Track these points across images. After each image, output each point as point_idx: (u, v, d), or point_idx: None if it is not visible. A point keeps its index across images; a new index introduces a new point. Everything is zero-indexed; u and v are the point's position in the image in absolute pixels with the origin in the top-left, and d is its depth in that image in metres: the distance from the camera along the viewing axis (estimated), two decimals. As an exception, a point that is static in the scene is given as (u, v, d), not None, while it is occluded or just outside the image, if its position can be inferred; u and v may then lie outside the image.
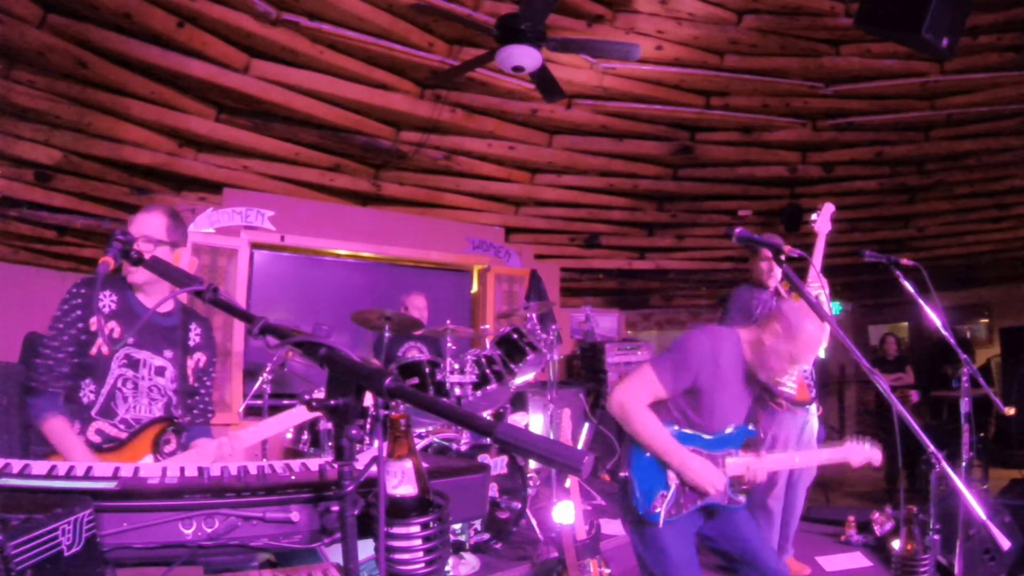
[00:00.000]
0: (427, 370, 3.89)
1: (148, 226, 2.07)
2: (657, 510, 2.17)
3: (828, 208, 3.53)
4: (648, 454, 2.20)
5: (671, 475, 2.20)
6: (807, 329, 2.24)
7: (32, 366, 1.99)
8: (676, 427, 2.25)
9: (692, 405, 2.25)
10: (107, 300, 2.05)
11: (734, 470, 2.27)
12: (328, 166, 5.59)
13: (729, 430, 2.30)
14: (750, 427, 2.37)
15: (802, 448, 3.59)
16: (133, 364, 2.04)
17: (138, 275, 2.04)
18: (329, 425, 2.75)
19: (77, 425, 1.96)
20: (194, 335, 2.22)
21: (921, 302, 2.49)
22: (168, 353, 2.11)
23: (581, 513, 2.99)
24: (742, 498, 2.31)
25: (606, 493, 4.96)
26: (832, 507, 5.16)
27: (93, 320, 1.99)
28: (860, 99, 5.37)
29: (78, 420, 1.97)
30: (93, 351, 1.98)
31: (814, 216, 3.48)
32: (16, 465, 1.24)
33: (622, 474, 2.25)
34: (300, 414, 2.05)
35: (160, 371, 2.09)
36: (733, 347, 2.30)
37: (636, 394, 2.20)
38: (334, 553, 1.26)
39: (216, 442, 1.98)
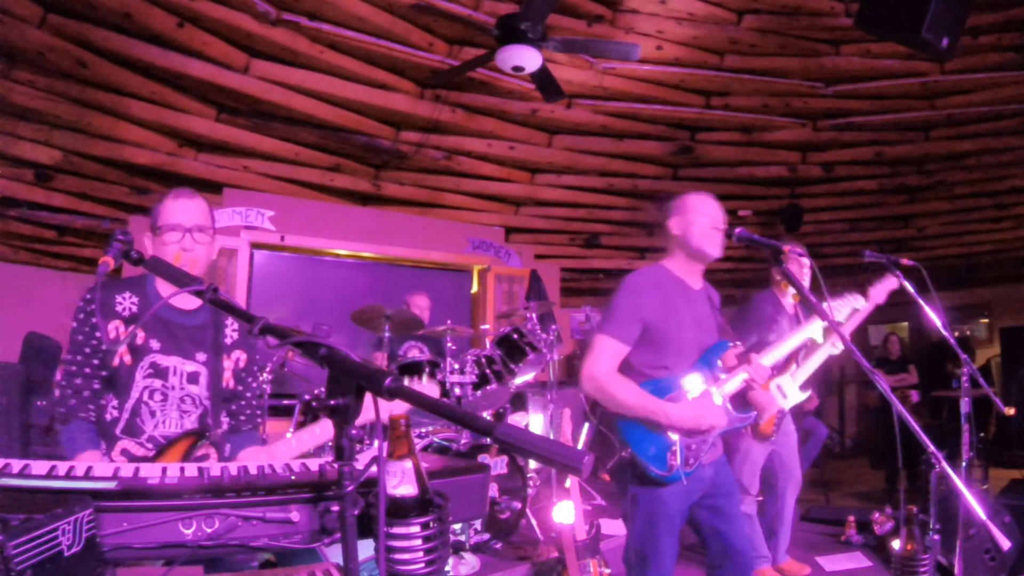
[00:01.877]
0: (427, 370, 3.89)
1: (201, 213, 1.85)
2: (675, 467, 2.10)
3: (890, 283, 3.10)
4: (641, 423, 2.11)
5: (670, 431, 2.12)
6: (687, 195, 2.30)
7: (57, 389, 1.78)
8: (650, 379, 2.17)
9: (655, 348, 2.17)
10: (126, 303, 1.79)
11: (731, 388, 2.20)
12: (328, 166, 5.60)
13: (703, 354, 2.22)
14: (723, 341, 2.28)
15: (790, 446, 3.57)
16: (160, 373, 1.78)
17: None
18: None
19: (103, 445, 1.75)
20: (230, 331, 1.92)
21: (921, 302, 2.50)
22: (201, 356, 1.84)
23: (581, 513, 2.98)
24: (752, 413, 2.26)
25: (606, 493, 4.96)
26: (832, 507, 5.16)
27: (112, 327, 1.75)
28: (860, 99, 5.37)
29: (103, 440, 1.76)
30: (115, 361, 1.75)
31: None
32: (16, 465, 1.24)
33: (623, 453, 2.18)
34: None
35: (193, 378, 1.82)
36: (660, 272, 2.29)
37: (601, 364, 2.13)
38: (334, 553, 1.26)
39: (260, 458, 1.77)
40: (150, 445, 1.76)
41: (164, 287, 1.85)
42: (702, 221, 2.22)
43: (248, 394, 1.97)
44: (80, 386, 1.76)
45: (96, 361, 1.77)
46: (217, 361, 1.87)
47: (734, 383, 2.22)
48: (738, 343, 2.36)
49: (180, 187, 1.89)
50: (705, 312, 2.30)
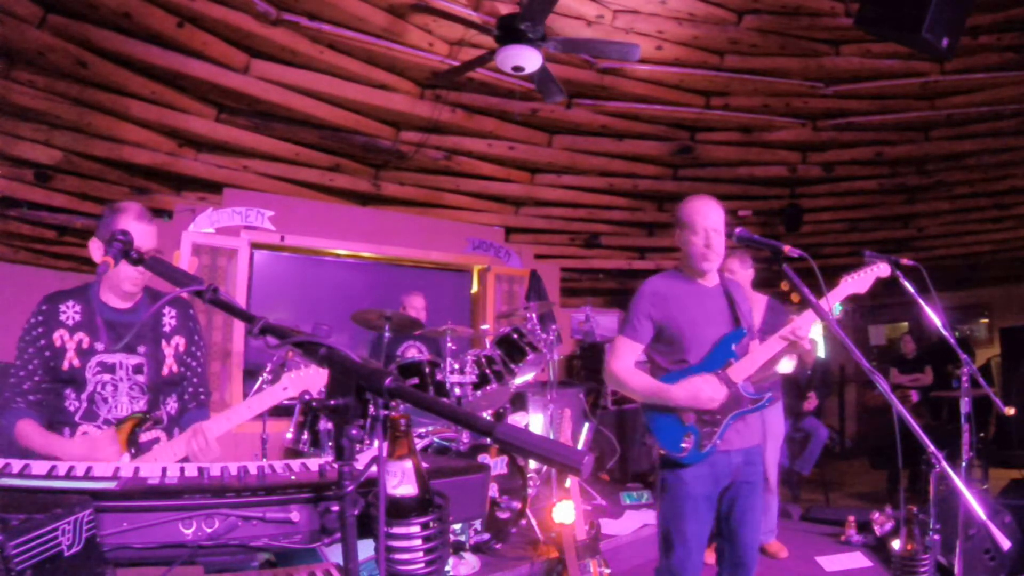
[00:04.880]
0: (427, 370, 3.89)
1: (155, 237, 2.04)
2: (688, 449, 2.28)
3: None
4: (660, 412, 2.33)
5: (685, 416, 2.30)
6: (686, 203, 2.45)
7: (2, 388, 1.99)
8: (670, 372, 2.37)
9: (671, 344, 2.39)
10: (70, 311, 2.01)
11: (739, 374, 2.33)
12: (328, 166, 5.60)
13: (716, 344, 2.37)
14: (738, 329, 2.41)
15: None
16: (109, 369, 2.00)
17: (132, 281, 2.02)
18: (329, 425, 2.75)
19: (66, 431, 1.96)
20: (168, 319, 2.14)
21: (921, 302, 2.50)
22: (142, 349, 2.06)
23: (581, 513, 2.99)
24: (767, 393, 2.39)
25: (606, 493, 4.96)
26: (832, 507, 5.16)
27: (57, 336, 1.96)
28: (860, 99, 5.36)
29: (66, 427, 1.97)
30: (65, 365, 1.96)
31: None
32: (16, 465, 1.24)
33: (647, 440, 2.43)
34: (268, 398, 2.03)
35: (138, 369, 2.04)
36: (672, 277, 2.49)
37: (619, 361, 2.40)
38: (334, 553, 1.26)
39: (183, 437, 1.95)
40: (105, 428, 1.99)
41: (107, 294, 2.07)
42: (697, 243, 2.39)
43: (189, 373, 2.17)
44: (15, 385, 1.97)
45: (34, 366, 1.97)
46: (157, 349, 2.08)
47: (741, 368, 2.34)
48: (760, 330, 2.48)
49: (132, 203, 2.05)
50: (720, 306, 2.45)
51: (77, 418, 1.97)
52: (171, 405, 2.13)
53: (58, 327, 1.98)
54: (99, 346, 1.99)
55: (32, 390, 1.97)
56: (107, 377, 1.99)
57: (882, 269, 2.47)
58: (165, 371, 2.09)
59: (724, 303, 2.46)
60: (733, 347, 2.35)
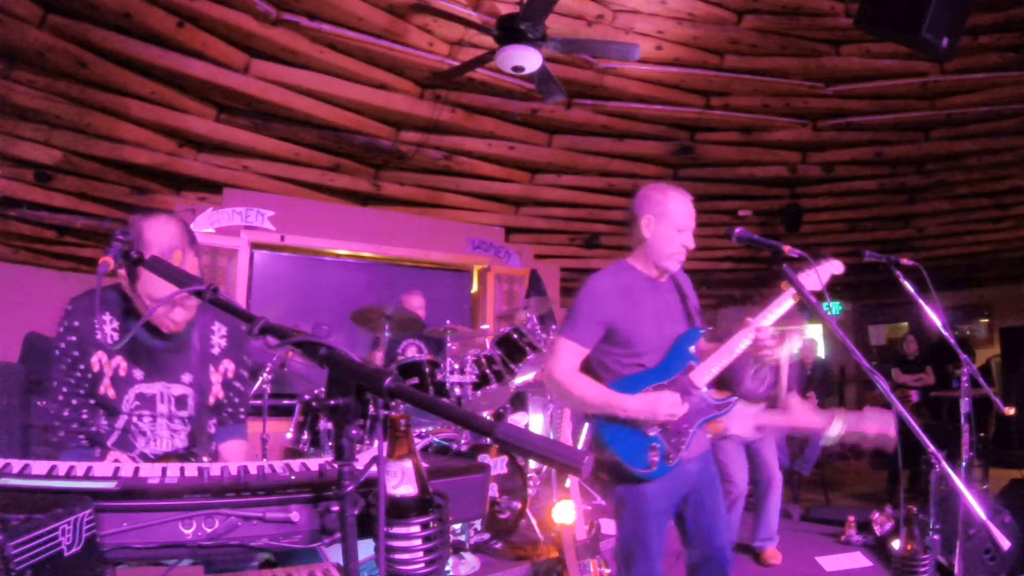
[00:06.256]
0: (427, 370, 3.89)
1: (194, 265, 1.78)
2: (655, 463, 2.07)
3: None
4: (617, 422, 2.10)
5: (648, 427, 2.09)
6: (668, 192, 2.20)
7: (47, 417, 1.76)
8: (623, 376, 2.15)
9: (623, 346, 2.15)
10: (107, 329, 1.75)
11: (701, 379, 2.14)
12: (328, 166, 5.60)
13: (673, 345, 2.17)
14: (694, 329, 2.22)
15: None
16: (148, 402, 1.77)
17: (175, 321, 1.73)
18: (329, 425, 2.74)
19: (96, 451, 1.76)
20: (217, 339, 1.89)
21: (921, 302, 2.49)
22: (187, 377, 1.81)
23: (581, 513, 2.98)
24: (733, 397, 2.20)
25: (606, 493, 4.96)
26: (832, 507, 5.16)
27: (95, 360, 1.72)
28: (860, 99, 5.37)
29: (96, 447, 1.77)
30: (100, 390, 1.73)
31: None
32: (16, 465, 1.24)
33: (603, 456, 2.13)
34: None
35: (181, 402, 1.81)
36: (624, 272, 2.24)
37: (561, 365, 2.13)
38: (334, 553, 1.26)
39: None
40: (140, 460, 1.77)
41: (142, 305, 1.71)
42: (676, 240, 2.15)
43: (232, 395, 1.95)
44: (68, 417, 1.73)
45: (82, 391, 1.74)
46: (204, 377, 1.84)
47: (703, 371, 2.15)
48: (710, 328, 2.31)
49: (163, 225, 1.69)
50: (673, 302, 2.26)
51: (109, 443, 1.76)
52: (210, 426, 1.93)
53: (95, 349, 1.72)
54: (137, 373, 1.76)
55: (91, 420, 1.75)
56: (146, 411, 1.77)
57: (836, 266, 2.24)
58: (211, 400, 1.86)
59: (677, 299, 2.26)
60: (691, 348, 2.17)
